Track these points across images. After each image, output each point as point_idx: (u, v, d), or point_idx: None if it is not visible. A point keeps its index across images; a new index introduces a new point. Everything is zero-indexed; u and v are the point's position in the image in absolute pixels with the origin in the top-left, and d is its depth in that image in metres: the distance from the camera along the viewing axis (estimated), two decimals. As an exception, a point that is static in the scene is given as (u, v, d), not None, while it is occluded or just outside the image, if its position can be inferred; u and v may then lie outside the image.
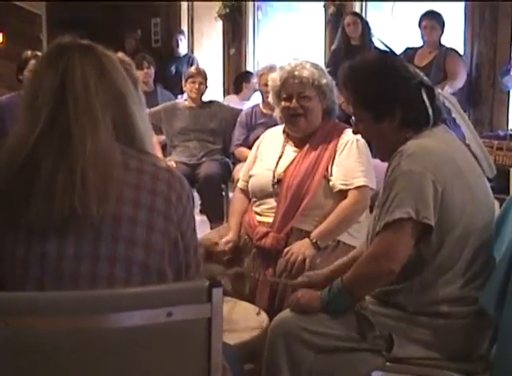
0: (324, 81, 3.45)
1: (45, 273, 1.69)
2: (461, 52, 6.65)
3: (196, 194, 6.47)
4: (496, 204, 2.57)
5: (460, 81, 6.30)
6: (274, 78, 3.53)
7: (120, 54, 3.44)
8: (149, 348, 1.57)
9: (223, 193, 6.15)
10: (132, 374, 1.57)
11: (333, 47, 7.36)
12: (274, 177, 3.43)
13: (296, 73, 3.42)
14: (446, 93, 2.64)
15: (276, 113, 3.61)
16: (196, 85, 6.24)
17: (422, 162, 2.33)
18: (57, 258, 1.69)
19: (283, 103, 3.48)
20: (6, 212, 1.74)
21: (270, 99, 3.62)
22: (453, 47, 6.53)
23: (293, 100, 3.44)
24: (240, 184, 3.69)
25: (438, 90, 2.53)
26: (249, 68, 9.06)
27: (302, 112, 3.44)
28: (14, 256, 1.72)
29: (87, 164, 1.71)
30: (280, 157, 3.50)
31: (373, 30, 7.11)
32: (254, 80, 7.72)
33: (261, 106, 6.20)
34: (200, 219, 6.31)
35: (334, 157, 3.39)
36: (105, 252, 1.71)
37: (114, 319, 1.52)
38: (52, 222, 1.69)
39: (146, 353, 1.57)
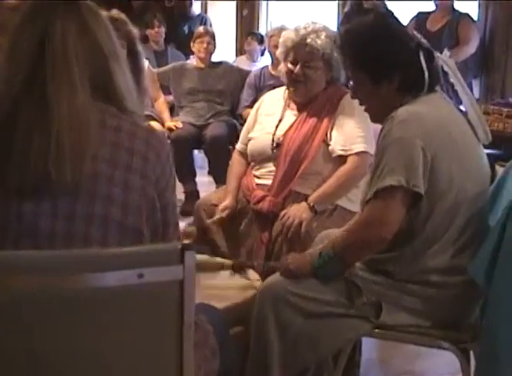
0: (334, 55, 3.36)
1: (22, 232, 1.69)
2: (475, 17, 6.57)
3: (203, 155, 6.50)
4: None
5: (472, 46, 6.23)
6: (286, 37, 3.48)
7: (115, 11, 3.39)
8: (121, 310, 1.56)
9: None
10: (104, 334, 1.57)
11: (345, 9, 7.27)
12: (273, 141, 3.41)
13: (308, 40, 3.36)
14: (445, 57, 2.59)
15: (281, 68, 3.56)
16: (204, 45, 6.22)
17: (412, 129, 2.30)
18: (33, 217, 1.68)
19: (288, 65, 3.45)
20: None
21: (278, 53, 3.57)
22: (467, 12, 6.44)
23: (298, 66, 3.40)
24: (239, 146, 3.68)
25: (436, 53, 2.49)
26: (262, 29, 9.00)
27: (303, 80, 3.40)
28: None
29: (62, 126, 1.68)
30: (280, 121, 3.47)
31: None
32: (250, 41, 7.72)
33: (270, 67, 6.17)
34: (208, 180, 6.33)
35: (334, 122, 3.36)
36: (81, 211, 1.70)
37: (86, 280, 1.50)
38: (28, 184, 1.68)
39: (118, 314, 1.56)
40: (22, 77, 1.72)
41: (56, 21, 1.76)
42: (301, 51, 3.40)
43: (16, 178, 1.67)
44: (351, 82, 2.55)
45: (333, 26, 7.59)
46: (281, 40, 3.54)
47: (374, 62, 2.43)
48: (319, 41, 3.36)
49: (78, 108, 1.71)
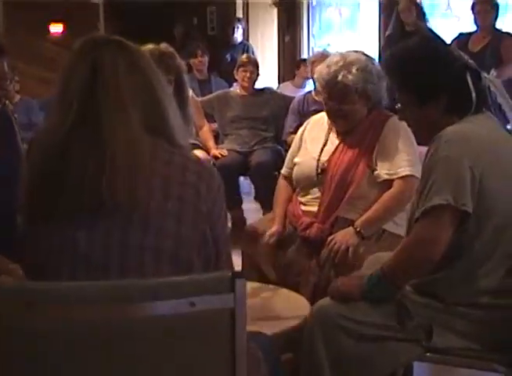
0: (369, 86, 3.35)
1: (77, 265, 1.73)
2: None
3: (249, 182, 6.53)
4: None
5: (516, 65, 6.19)
6: (319, 73, 3.45)
7: (163, 45, 3.45)
8: (173, 338, 1.58)
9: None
10: (157, 362, 1.59)
11: (387, 33, 7.30)
12: (318, 166, 3.41)
13: (339, 78, 3.32)
14: (491, 77, 2.59)
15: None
16: (248, 74, 6.28)
17: (459, 148, 2.31)
18: (88, 247, 1.72)
19: (325, 100, 3.45)
20: (40, 204, 1.78)
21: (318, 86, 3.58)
22: (508, 31, 6.41)
23: (334, 103, 3.39)
24: (284, 171, 3.70)
25: (483, 74, 2.49)
26: (304, 55, 9.04)
27: (342, 114, 3.39)
28: (49, 246, 1.76)
29: (116, 152, 1.73)
30: (324, 145, 3.47)
31: (427, 16, 7.03)
32: (306, 67, 7.73)
33: (313, 93, 6.19)
34: (255, 207, 6.35)
35: (379, 146, 3.34)
36: (134, 242, 1.73)
37: (138, 309, 1.54)
38: (83, 211, 1.72)
39: (170, 343, 1.59)
40: (76, 108, 1.78)
41: (106, 56, 1.83)
42: (334, 89, 3.37)
43: (70, 204, 1.72)
44: (399, 104, 2.56)
45: (375, 49, 7.63)
46: (316, 76, 3.54)
47: (421, 84, 2.45)
48: (350, 77, 3.32)
49: (132, 135, 1.77)
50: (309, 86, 7.56)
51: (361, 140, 3.38)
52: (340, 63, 3.35)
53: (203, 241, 1.81)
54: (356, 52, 3.50)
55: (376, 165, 3.33)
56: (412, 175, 3.27)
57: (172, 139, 1.88)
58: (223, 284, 1.58)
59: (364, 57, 3.43)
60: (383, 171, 3.31)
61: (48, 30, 11.14)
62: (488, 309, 2.34)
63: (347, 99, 3.36)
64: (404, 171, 3.28)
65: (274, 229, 3.45)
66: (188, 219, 1.78)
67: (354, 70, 3.33)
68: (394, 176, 3.29)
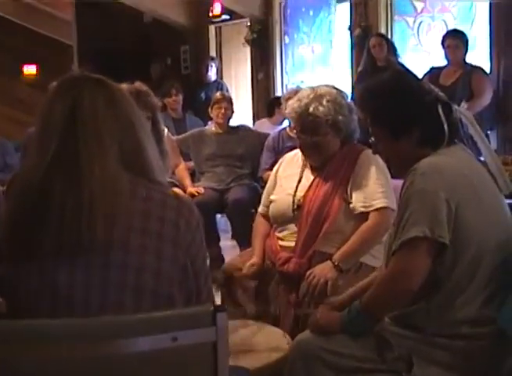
0: (340, 117, 3.39)
1: (57, 302, 1.73)
2: (487, 69, 6.63)
3: (225, 219, 6.53)
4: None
5: (486, 99, 6.27)
6: (291, 108, 3.49)
7: (138, 84, 3.50)
8: (155, 373, 1.58)
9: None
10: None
11: (359, 68, 7.40)
12: (294, 203, 3.44)
13: (310, 110, 3.37)
14: (462, 109, 2.63)
15: None
16: (222, 111, 6.30)
17: (435, 180, 2.33)
18: (68, 286, 1.72)
19: (298, 134, 3.49)
20: (19, 244, 1.77)
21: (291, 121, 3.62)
22: (479, 65, 6.51)
23: (306, 136, 3.43)
24: (261, 209, 3.72)
25: (454, 106, 2.53)
26: (277, 92, 9.10)
27: (314, 147, 3.43)
28: (27, 286, 1.75)
29: (94, 190, 1.74)
30: (299, 182, 3.50)
31: (398, 51, 7.14)
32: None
33: (288, 129, 6.23)
34: (231, 244, 6.34)
35: (353, 179, 3.37)
36: (114, 280, 1.74)
37: (120, 346, 1.53)
38: (62, 250, 1.72)
39: (153, 379, 1.59)
40: (54, 147, 1.78)
41: (84, 93, 1.84)
42: (305, 121, 3.41)
43: (49, 244, 1.72)
44: (372, 138, 2.59)
45: (347, 85, 7.71)
46: (287, 111, 3.58)
47: (393, 117, 2.48)
48: (321, 109, 3.36)
49: (110, 173, 1.77)
50: (286, 123, 7.62)
51: (335, 174, 3.41)
52: (311, 96, 3.40)
53: (184, 276, 1.82)
54: (327, 85, 3.56)
55: (351, 198, 3.35)
56: (387, 207, 3.31)
57: (151, 175, 1.89)
58: (205, 318, 1.59)
59: (335, 90, 3.48)
60: (358, 203, 3.34)
61: (22, 72, 11.17)
62: (468, 340, 2.35)
63: (319, 131, 3.40)
64: (379, 203, 3.31)
65: (253, 260, 3.47)
66: (168, 255, 1.79)
67: (324, 102, 3.37)
68: (370, 209, 3.32)
